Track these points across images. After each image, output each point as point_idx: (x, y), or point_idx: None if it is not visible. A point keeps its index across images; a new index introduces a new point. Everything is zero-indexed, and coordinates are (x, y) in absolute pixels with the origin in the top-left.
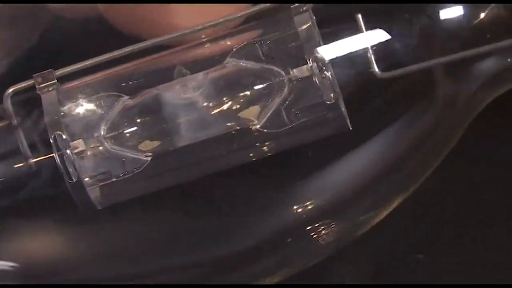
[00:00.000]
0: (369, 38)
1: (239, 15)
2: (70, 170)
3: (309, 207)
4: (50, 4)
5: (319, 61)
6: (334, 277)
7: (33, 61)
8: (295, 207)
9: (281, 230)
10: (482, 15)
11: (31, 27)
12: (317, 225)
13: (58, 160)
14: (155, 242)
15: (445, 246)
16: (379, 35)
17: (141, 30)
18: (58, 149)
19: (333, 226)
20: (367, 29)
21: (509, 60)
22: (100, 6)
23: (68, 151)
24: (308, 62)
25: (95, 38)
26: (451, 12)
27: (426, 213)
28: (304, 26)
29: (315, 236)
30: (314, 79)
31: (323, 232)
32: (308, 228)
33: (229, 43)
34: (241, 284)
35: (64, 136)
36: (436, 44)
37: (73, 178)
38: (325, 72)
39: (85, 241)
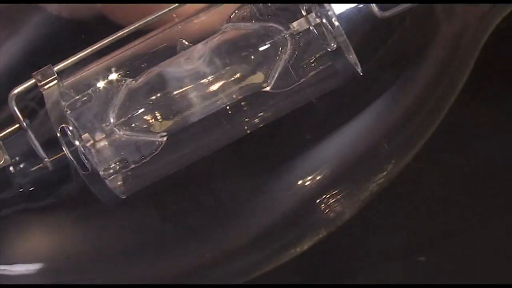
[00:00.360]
0: None
1: None
2: (85, 162)
3: (315, 178)
4: (48, 4)
5: (316, 10)
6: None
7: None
8: (299, 182)
9: (290, 208)
10: None
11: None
12: (324, 196)
13: (69, 155)
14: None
15: (447, 248)
16: None
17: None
18: (69, 145)
19: (339, 195)
20: None
21: None
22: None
23: (77, 143)
24: (303, 12)
25: (93, 35)
26: None
27: (428, 215)
28: None
29: (324, 208)
30: (312, 29)
31: (331, 202)
32: (317, 201)
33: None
34: (241, 284)
35: (70, 128)
36: None
37: (88, 170)
38: (323, 20)
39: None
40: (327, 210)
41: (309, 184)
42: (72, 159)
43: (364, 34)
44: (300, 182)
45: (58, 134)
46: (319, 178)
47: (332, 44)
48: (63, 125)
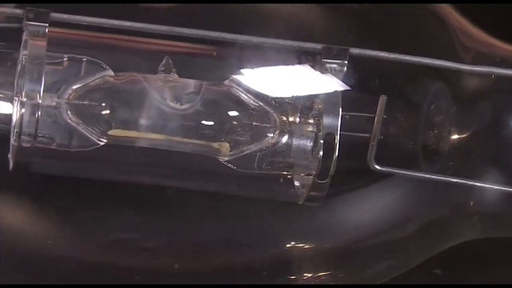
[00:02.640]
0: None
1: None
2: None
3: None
4: None
5: (324, 131)
6: None
7: None
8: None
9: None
10: None
11: None
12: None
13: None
14: None
15: (463, 262)
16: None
17: None
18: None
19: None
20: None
21: None
22: None
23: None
24: (312, 127)
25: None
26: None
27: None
28: (326, 87)
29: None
30: (308, 144)
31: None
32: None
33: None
34: (240, 284)
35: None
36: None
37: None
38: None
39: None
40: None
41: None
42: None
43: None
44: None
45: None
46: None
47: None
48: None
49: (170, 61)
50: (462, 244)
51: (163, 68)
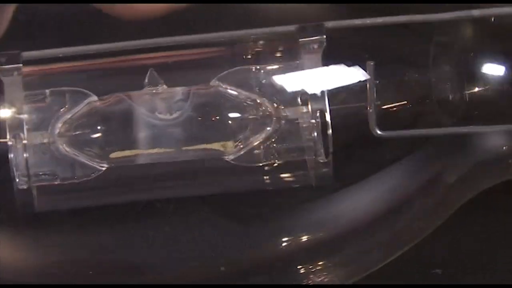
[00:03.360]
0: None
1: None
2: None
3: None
4: None
5: (317, 107)
6: None
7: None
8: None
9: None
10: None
11: None
12: (305, 265)
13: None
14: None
15: (464, 262)
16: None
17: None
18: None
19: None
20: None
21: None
22: None
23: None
24: (311, 107)
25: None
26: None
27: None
28: (310, 66)
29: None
30: (303, 126)
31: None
32: (298, 267)
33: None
34: (239, 284)
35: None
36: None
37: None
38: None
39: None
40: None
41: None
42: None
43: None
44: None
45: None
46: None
47: (312, 141)
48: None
49: (155, 74)
50: (462, 244)
51: (148, 82)
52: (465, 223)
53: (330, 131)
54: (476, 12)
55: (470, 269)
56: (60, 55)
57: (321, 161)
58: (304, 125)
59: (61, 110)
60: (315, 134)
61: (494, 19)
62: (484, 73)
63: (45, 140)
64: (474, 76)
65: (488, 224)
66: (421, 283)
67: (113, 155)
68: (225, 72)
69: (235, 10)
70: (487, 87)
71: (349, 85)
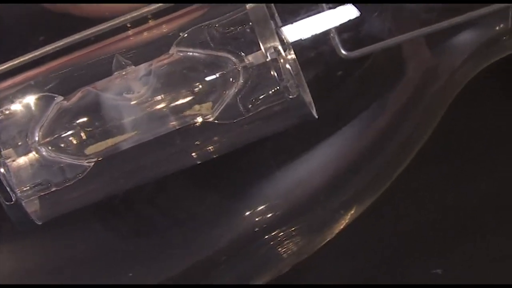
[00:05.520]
0: (333, 16)
1: None
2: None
3: (264, 212)
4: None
5: (276, 45)
6: None
7: None
8: (247, 213)
9: (235, 240)
10: None
11: None
12: (275, 233)
13: None
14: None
15: (464, 261)
16: (345, 12)
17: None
18: None
19: (293, 233)
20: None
21: (495, 28)
22: None
23: None
24: (263, 47)
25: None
26: None
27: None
28: (257, 8)
29: (275, 245)
30: (270, 67)
31: (284, 240)
32: (266, 237)
33: (172, 28)
34: (239, 284)
35: None
36: (411, 19)
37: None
38: (284, 58)
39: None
40: (278, 247)
41: (256, 217)
42: None
43: (323, 71)
44: (248, 212)
45: None
46: (271, 212)
47: (287, 81)
48: None
49: (119, 57)
50: (462, 244)
51: (114, 68)
52: (465, 223)
53: (290, 61)
54: None
55: (470, 269)
56: (20, 64)
57: (295, 95)
58: (271, 68)
59: (33, 119)
60: (284, 72)
61: None
62: None
63: (29, 154)
64: None
65: (488, 224)
66: (421, 283)
67: (92, 149)
68: (179, 37)
69: None
70: None
71: (303, 16)
